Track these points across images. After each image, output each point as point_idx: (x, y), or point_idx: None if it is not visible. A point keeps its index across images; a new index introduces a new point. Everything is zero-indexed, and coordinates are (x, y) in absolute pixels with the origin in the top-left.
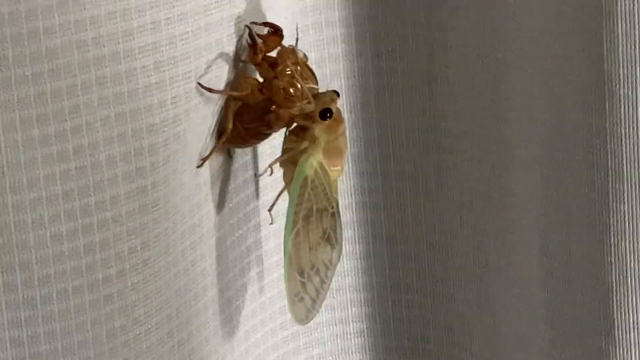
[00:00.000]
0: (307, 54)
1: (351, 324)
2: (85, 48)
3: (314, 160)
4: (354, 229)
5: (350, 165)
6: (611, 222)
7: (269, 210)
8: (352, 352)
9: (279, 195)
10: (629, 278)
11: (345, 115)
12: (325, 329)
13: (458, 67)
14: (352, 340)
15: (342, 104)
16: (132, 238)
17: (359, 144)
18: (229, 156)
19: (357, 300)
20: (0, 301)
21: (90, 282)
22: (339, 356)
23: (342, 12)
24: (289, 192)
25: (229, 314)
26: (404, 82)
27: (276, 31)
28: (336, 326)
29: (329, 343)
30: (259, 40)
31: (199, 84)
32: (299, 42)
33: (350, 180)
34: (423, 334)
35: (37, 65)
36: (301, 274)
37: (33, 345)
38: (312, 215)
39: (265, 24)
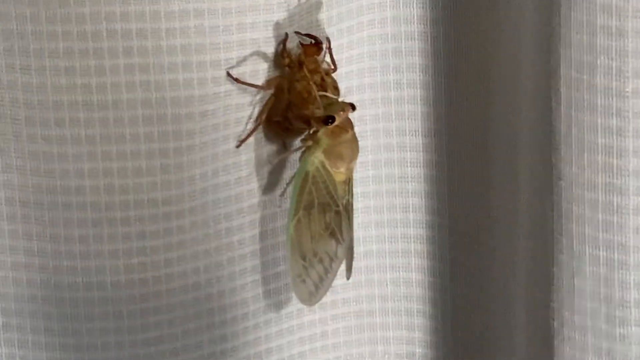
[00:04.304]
0: (333, 66)
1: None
2: (115, 22)
3: (315, 159)
4: None
5: None
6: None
7: (281, 195)
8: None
9: (287, 184)
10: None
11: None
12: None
13: None
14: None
15: None
16: (154, 191)
17: None
18: (284, 146)
19: None
20: None
21: (109, 219)
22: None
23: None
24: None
25: (276, 287)
26: None
27: (317, 43)
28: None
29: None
30: (289, 46)
31: (228, 72)
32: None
33: None
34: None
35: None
36: (303, 258)
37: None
38: (313, 207)
39: (309, 35)
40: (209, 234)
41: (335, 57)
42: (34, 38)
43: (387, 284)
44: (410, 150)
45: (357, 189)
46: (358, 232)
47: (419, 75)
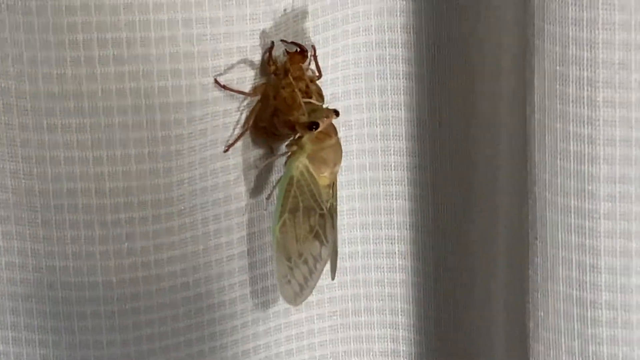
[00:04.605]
0: (318, 74)
1: None
2: (106, 32)
3: (299, 164)
4: None
5: None
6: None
7: (267, 198)
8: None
9: (274, 187)
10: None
11: None
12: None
13: None
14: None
15: None
16: (144, 194)
17: None
18: (271, 151)
19: None
20: None
21: (100, 221)
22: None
23: None
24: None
25: (263, 287)
26: None
27: (302, 51)
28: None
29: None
30: (274, 54)
31: (215, 80)
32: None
33: None
34: None
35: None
36: (288, 259)
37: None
38: (298, 210)
39: (294, 43)
40: (198, 235)
41: (320, 64)
42: (27, 46)
43: (371, 284)
44: (394, 154)
45: (342, 192)
46: (343, 234)
47: (402, 82)
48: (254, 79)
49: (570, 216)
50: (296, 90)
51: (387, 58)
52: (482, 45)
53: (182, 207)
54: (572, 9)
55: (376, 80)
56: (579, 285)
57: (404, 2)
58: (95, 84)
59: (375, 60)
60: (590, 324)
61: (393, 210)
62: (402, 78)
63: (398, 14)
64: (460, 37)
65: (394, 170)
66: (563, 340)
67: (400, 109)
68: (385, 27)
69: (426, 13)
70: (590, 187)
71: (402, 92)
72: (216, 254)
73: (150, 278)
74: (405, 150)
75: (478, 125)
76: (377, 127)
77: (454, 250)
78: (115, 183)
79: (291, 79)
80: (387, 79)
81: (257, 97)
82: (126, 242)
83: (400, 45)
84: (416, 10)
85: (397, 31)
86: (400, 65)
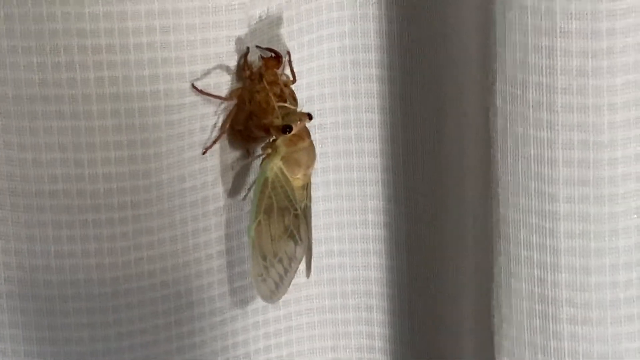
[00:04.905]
0: (293, 78)
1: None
2: (85, 38)
3: (274, 166)
4: None
5: None
6: None
7: (243, 199)
8: None
9: (249, 188)
10: None
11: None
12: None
13: None
14: None
15: None
16: (124, 195)
17: None
18: (247, 153)
19: None
20: None
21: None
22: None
23: None
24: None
25: (241, 285)
26: None
27: (277, 56)
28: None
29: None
30: (250, 60)
31: (192, 84)
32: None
33: None
34: None
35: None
36: (264, 258)
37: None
38: (273, 211)
39: (269, 49)
40: (177, 235)
41: (296, 69)
42: (10, 52)
43: (347, 282)
44: (368, 156)
45: (318, 193)
46: (320, 233)
47: (376, 85)
48: (230, 84)
49: (532, 216)
50: (270, 94)
51: (361, 62)
52: (449, 51)
53: (162, 208)
54: (531, 18)
55: (350, 84)
56: (541, 283)
57: (377, 9)
58: (75, 88)
59: (349, 65)
60: (552, 320)
61: (368, 209)
62: (376, 82)
63: (371, 19)
64: (430, 41)
65: (368, 171)
66: (526, 336)
67: (374, 112)
68: (359, 32)
69: (398, 18)
70: (550, 189)
71: (375, 96)
72: (195, 253)
73: (130, 277)
74: (378, 151)
75: (448, 127)
76: (351, 129)
77: (427, 248)
78: (96, 185)
79: (265, 84)
80: (361, 82)
81: (233, 101)
82: (107, 241)
83: (373, 50)
84: (389, 15)
85: (371, 36)
86: (374, 69)
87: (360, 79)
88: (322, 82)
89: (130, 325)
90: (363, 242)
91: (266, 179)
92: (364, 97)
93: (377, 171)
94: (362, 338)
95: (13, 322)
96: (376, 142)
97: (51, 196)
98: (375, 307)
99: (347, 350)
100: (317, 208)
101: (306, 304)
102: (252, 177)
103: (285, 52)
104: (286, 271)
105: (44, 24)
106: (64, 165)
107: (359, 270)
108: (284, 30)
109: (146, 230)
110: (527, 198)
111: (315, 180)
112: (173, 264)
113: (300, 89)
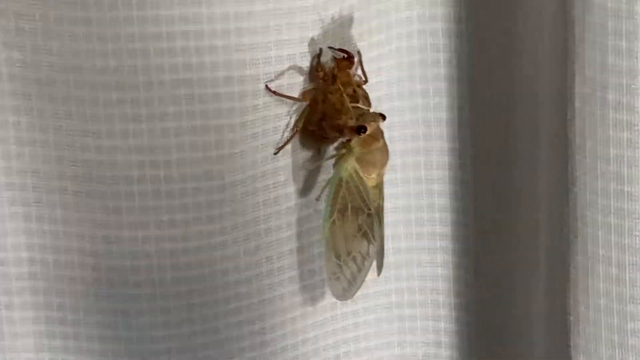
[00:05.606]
0: (364, 79)
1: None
2: (161, 40)
3: (348, 166)
4: None
5: None
6: None
7: (317, 199)
8: None
9: (322, 188)
10: None
11: None
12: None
13: None
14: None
15: None
16: (198, 196)
17: None
18: (318, 153)
19: None
20: None
21: (156, 221)
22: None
23: None
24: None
25: (311, 283)
26: None
27: (349, 57)
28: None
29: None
30: (323, 61)
31: (266, 86)
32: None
33: None
34: None
35: None
36: (337, 257)
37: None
38: (347, 210)
39: (341, 50)
40: (249, 234)
41: (366, 69)
42: (87, 55)
43: (414, 279)
44: (436, 154)
45: (386, 191)
46: (387, 231)
47: (444, 84)
48: (303, 85)
49: (610, 216)
50: (344, 95)
51: (429, 61)
52: (522, 51)
53: (235, 208)
54: (611, 20)
55: (418, 83)
56: (618, 282)
57: (445, 7)
58: (151, 91)
59: (417, 64)
60: (629, 318)
61: (435, 207)
62: (444, 81)
63: (439, 19)
64: (500, 42)
65: (436, 169)
66: (603, 334)
67: (442, 111)
68: (428, 32)
69: (467, 17)
70: (629, 189)
71: (443, 94)
72: (267, 251)
73: (204, 276)
74: (446, 150)
75: (519, 125)
76: (419, 128)
77: (495, 245)
78: (171, 185)
79: (339, 85)
80: (429, 81)
81: (306, 102)
82: (182, 242)
83: (442, 49)
84: (457, 15)
85: (439, 36)
86: (442, 69)
87: (428, 78)
88: (391, 81)
89: (204, 323)
90: (430, 239)
91: (340, 179)
92: (432, 96)
93: (445, 169)
94: (429, 333)
95: (87, 321)
96: (444, 140)
97: (127, 198)
98: (442, 303)
99: (414, 345)
100: (385, 205)
101: (374, 300)
102: (322, 177)
103: (356, 52)
104: (359, 270)
105: (121, 28)
106: (140, 167)
107: (426, 266)
108: (354, 31)
109: (219, 231)
110: (606, 198)
111: (383, 178)
112: (245, 263)
113: (369, 89)
